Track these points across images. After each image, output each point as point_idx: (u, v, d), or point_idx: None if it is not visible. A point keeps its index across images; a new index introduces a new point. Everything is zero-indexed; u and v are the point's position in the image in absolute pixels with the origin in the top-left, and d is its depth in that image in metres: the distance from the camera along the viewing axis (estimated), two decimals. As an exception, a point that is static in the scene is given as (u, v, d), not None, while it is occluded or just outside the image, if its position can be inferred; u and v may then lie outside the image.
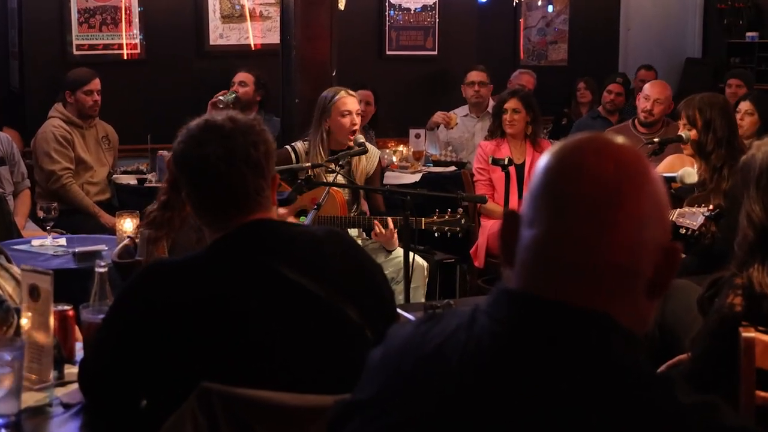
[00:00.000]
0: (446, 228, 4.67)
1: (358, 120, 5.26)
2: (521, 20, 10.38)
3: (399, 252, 5.09)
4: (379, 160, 5.55)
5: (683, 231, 4.14)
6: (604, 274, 1.38)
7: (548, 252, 1.40)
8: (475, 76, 7.91)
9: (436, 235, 4.79)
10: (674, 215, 4.17)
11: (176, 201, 3.49)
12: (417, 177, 6.81)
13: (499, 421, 1.32)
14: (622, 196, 1.38)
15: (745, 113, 6.15)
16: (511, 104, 6.21)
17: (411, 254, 4.48)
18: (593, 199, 1.38)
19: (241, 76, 7.25)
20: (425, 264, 5.05)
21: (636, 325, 1.42)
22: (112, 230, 6.01)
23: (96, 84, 6.51)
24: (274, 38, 7.41)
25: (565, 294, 1.38)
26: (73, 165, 6.36)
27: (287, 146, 5.31)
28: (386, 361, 1.50)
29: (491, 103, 7.50)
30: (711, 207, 4.20)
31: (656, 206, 1.41)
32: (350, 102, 5.25)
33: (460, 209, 4.74)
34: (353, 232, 5.24)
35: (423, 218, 4.65)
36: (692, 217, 4.13)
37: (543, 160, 1.44)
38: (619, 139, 1.46)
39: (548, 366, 1.34)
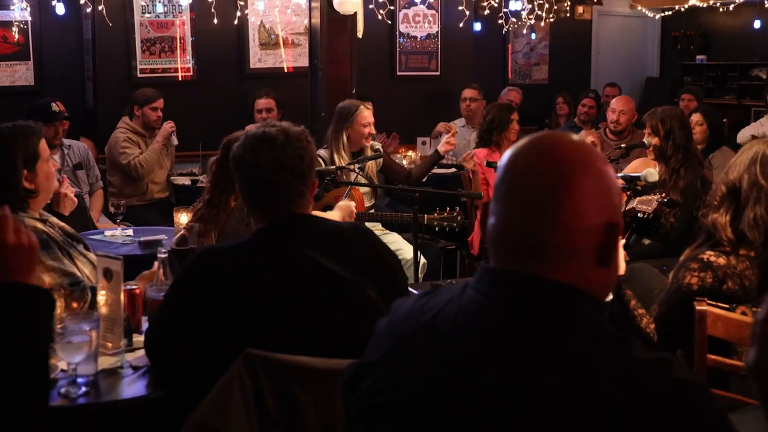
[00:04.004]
0: (445, 223, 4.66)
1: (373, 130, 5.36)
2: (509, 46, 10.35)
3: (401, 245, 5.12)
4: (383, 150, 5.63)
5: (641, 215, 4.17)
6: (551, 254, 1.37)
7: (504, 238, 1.41)
8: (467, 93, 7.91)
9: (436, 229, 4.80)
10: (635, 203, 4.20)
11: (219, 199, 3.50)
12: (424, 177, 6.78)
13: (484, 377, 1.32)
14: (558, 190, 1.36)
15: (695, 123, 6.12)
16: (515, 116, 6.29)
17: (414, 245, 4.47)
18: (531, 194, 1.37)
19: (263, 103, 7.19)
20: (424, 261, 5.06)
21: (597, 291, 1.40)
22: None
23: (160, 102, 6.55)
24: (304, 62, 7.39)
25: (530, 268, 1.37)
26: (140, 152, 6.41)
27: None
28: (391, 329, 1.50)
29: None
30: (663, 195, 4.21)
31: (595, 193, 1.38)
32: (368, 115, 5.34)
33: (458, 208, 4.74)
34: (370, 224, 5.25)
35: (426, 215, 4.65)
36: (648, 204, 4.17)
37: (502, 159, 1.45)
38: (567, 137, 1.44)
39: (522, 330, 1.34)
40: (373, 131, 5.39)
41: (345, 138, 5.32)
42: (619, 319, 2.77)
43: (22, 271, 1.95)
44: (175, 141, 6.54)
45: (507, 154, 1.44)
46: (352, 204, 4.39)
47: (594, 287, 1.39)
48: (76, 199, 3.75)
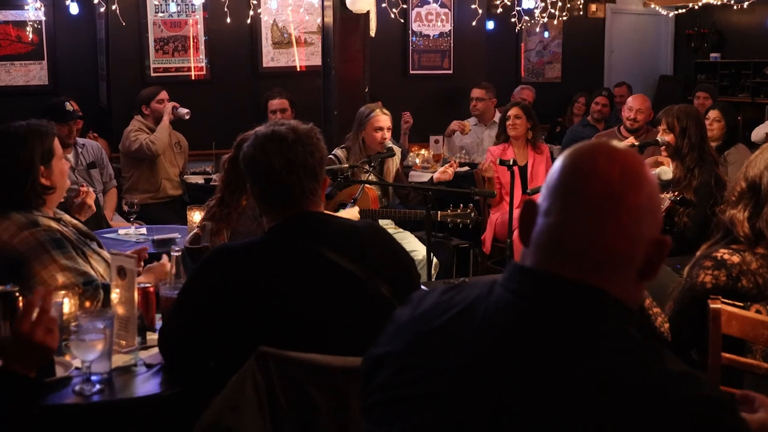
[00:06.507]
0: (458, 220, 4.66)
1: (388, 135, 5.30)
2: (522, 44, 10.34)
3: (415, 246, 5.11)
4: (400, 166, 5.62)
5: None
6: (603, 259, 1.37)
7: (558, 238, 1.40)
8: (475, 92, 7.92)
9: (450, 225, 4.79)
10: None
11: (231, 198, 3.51)
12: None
13: (510, 374, 1.32)
14: (624, 195, 1.37)
15: (714, 120, 6.11)
16: (514, 111, 6.24)
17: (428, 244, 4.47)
18: (599, 196, 1.37)
19: (277, 103, 7.19)
20: (437, 261, 5.06)
21: (628, 302, 1.40)
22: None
23: (164, 94, 6.59)
24: (316, 61, 7.40)
25: (571, 272, 1.37)
26: (149, 133, 6.44)
27: (330, 155, 5.34)
28: (415, 321, 1.49)
29: (498, 114, 7.47)
30: (676, 193, 4.19)
31: (651, 205, 1.40)
32: (383, 120, 5.30)
33: (471, 204, 4.73)
34: (383, 222, 5.24)
35: (439, 211, 4.64)
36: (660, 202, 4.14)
37: (560, 160, 1.44)
38: (624, 147, 1.45)
39: (550, 330, 1.34)
40: (386, 136, 5.31)
41: (361, 141, 5.32)
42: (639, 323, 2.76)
43: (19, 362, 2.07)
44: (184, 111, 6.52)
45: (565, 156, 1.44)
46: (356, 210, 4.40)
47: (626, 298, 1.39)
48: (95, 208, 3.80)
